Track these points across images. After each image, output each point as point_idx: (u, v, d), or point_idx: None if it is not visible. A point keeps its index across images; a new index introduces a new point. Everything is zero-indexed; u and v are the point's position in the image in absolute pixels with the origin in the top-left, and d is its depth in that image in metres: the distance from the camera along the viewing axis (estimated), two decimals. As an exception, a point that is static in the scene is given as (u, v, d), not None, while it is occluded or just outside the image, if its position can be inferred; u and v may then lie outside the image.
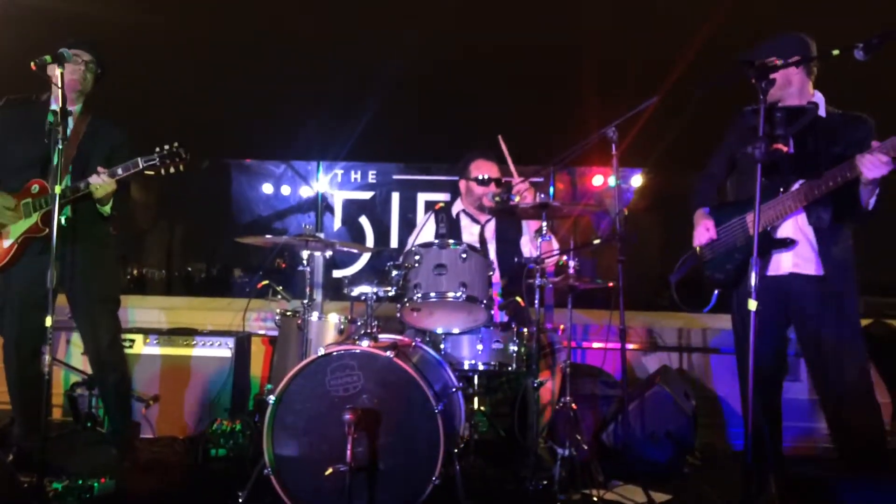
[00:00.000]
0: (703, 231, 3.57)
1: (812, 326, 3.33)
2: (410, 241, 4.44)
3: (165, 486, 3.79)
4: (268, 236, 4.00)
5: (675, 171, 7.49)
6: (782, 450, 3.51)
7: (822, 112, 3.40)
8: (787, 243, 3.34)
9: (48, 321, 3.20)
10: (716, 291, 3.54)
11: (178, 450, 4.39)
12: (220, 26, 6.42)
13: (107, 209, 3.86)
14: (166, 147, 3.66)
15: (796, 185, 3.29)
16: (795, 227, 3.37)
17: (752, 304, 2.72)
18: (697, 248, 3.63)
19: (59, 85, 3.27)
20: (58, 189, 3.24)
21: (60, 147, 3.24)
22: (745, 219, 3.45)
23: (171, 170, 3.69)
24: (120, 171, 3.69)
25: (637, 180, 7.35)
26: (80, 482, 3.39)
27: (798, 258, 3.36)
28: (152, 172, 3.70)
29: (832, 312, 3.28)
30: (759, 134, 2.76)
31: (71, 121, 3.87)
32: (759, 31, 5.65)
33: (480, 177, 4.35)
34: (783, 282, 3.38)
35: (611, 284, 4.03)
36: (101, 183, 3.63)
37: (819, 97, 3.41)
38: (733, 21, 5.73)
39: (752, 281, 2.77)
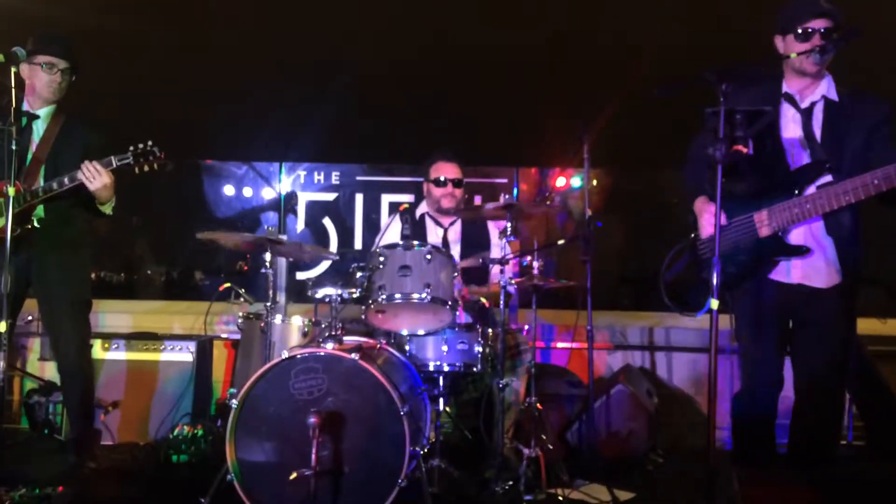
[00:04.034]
0: (711, 219, 3.22)
1: (809, 324, 3.17)
2: (377, 242, 4.43)
3: (126, 494, 3.72)
4: (230, 233, 3.97)
5: (633, 171, 7.58)
6: (775, 446, 3.34)
7: (832, 94, 3.15)
8: (802, 251, 3.07)
9: (2, 326, 3.13)
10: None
11: (138, 457, 4.32)
12: (179, 26, 6.32)
13: (107, 208, 3.81)
14: (140, 145, 3.61)
15: (812, 188, 3.04)
16: (809, 233, 3.11)
17: (714, 304, 2.73)
18: (695, 242, 3.36)
19: (13, 85, 3.19)
20: (11, 191, 3.17)
21: (14, 148, 3.17)
22: (753, 218, 3.15)
23: (146, 168, 3.64)
24: None
25: (595, 180, 7.42)
26: (38, 491, 3.31)
27: (809, 268, 3.10)
28: (111, 170, 3.62)
29: (833, 320, 3.13)
30: (720, 135, 2.77)
31: (42, 123, 3.81)
32: (725, 30, 5.78)
33: (441, 178, 4.36)
34: (789, 290, 3.14)
35: (573, 283, 4.07)
36: (92, 176, 3.56)
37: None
38: (695, 18, 5.80)
39: (714, 281, 2.74)
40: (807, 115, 3.16)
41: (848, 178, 2.94)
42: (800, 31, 3.09)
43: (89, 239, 3.98)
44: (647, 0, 6.08)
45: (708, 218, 3.28)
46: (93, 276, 4.21)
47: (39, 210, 3.74)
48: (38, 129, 3.81)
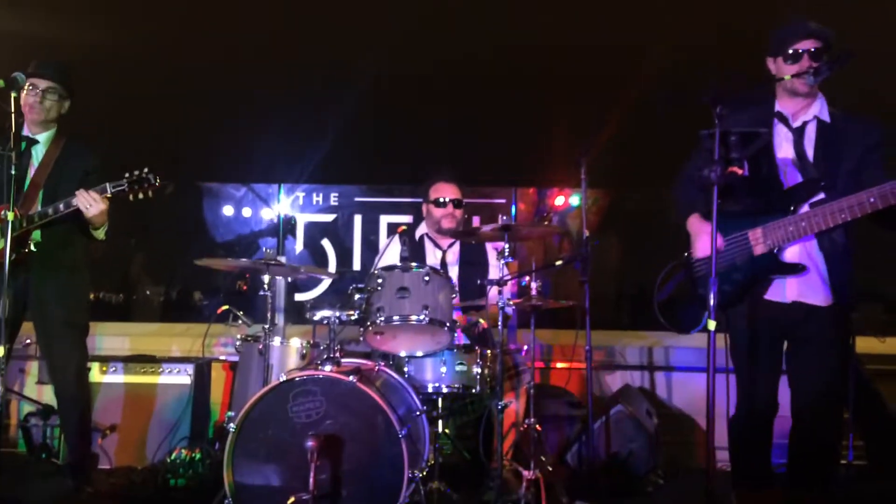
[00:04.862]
0: (707, 241, 3.09)
1: (804, 343, 3.16)
2: (375, 264, 4.43)
3: (123, 519, 3.71)
4: (228, 259, 3.98)
5: (631, 190, 7.59)
6: (772, 467, 3.34)
7: (824, 115, 3.17)
8: (798, 269, 3.07)
9: (0, 351, 3.12)
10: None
11: (135, 480, 4.28)
12: (178, 48, 6.37)
13: (101, 233, 3.80)
14: (136, 172, 3.59)
15: (805, 207, 3.05)
16: (803, 251, 3.11)
17: (711, 325, 2.74)
18: (690, 259, 3.34)
19: (13, 110, 3.21)
20: (10, 216, 3.18)
21: (14, 173, 3.18)
22: (747, 235, 3.15)
23: (140, 195, 3.63)
24: None
25: (592, 199, 7.43)
26: (34, 516, 3.30)
27: (804, 286, 3.10)
28: (109, 196, 3.63)
29: (829, 338, 3.12)
30: (715, 157, 2.79)
31: (42, 147, 3.81)
32: (723, 50, 5.81)
33: (441, 199, 4.37)
34: (784, 309, 3.14)
35: (572, 303, 4.07)
36: (88, 203, 3.56)
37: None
38: (692, 39, 5.85)
39: (711, 301, 2.75)
40: (798, 133, 3.18)
41: (842, 196, 2.95)
42: (790, 52, 3.13)
43: (86, 262, 3.97)
44: (646, 21, 6.12)
45: (704, 239, 3.24)
46: (91, 296, 4.19)
47: (36, 234, 3.73)
48: (38, 153, 3.82)
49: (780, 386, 3.26)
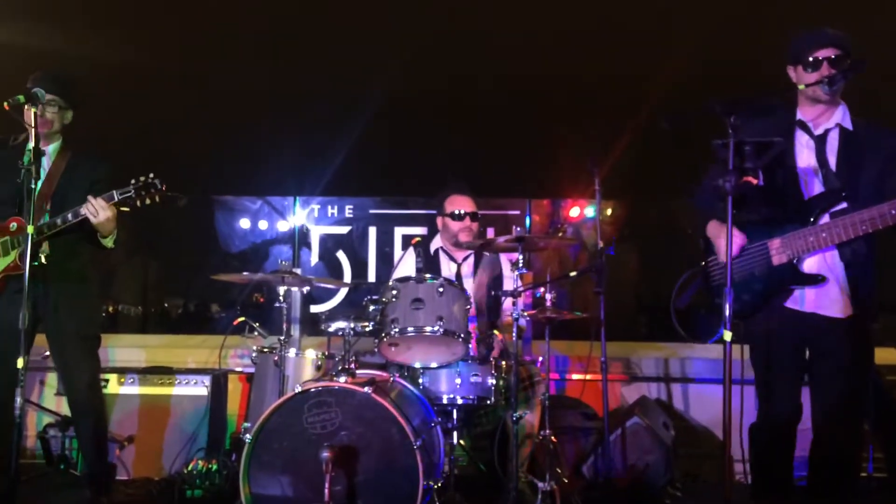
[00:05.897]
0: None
1: (825, 356, 3.13)
2: (392, 276, 4.43)
3: (140, 529, 3.72)
4: (244, 273, 4.01)
5: (647, 201, 7.58)
6: (793, 479, 3.30)
7: (846, 123, 3.16)
8: (818, 280, 3.06)
9: (20, 362, 3.15)
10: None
11: (153, 491, 4.30)
12: (194, 63, 6.44)
13: (109, 241, 3.80)
14: (142, 178, 3.59)
15: (825, 217, 3.05)
16: (823, 262, 3.09)
17: (727, 335, 2.72)
18: (707, 268, 3.34)
19: (32, 125, 3.24)
20: (30, 229, 3.20)
21: (33, 186, 3.21)
22: (767, 245, 3.15)
23: (147, 201, 3.63)
24: None
25: (608, 210, 7.43)
26: (53, 527, 3.31)
27: (823, 298, 3.08)
28: (127, 207, 3.66)
29: (848, 351, 3.07)
30: (730, 167, 2.79)
31: (49, 159, 3.81)
32: (738, 61, 5.80)
33: (457, 212, 4.36)
34: (803, 319, 3.12)
35: (586, 314, 4.06)
36: (95, 211, 3.56)
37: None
38: (704, 51, 5.84)
39: (727, 311, 2.74)
40: (821, 141, 3.16)
41: (863, 206, 2.93)
42: (810, 59, 3.11)
43: (95, 273, 3.97)
44: (660, 32, 6.13)
45: (724, 242, 3.18)
46: (103, 307, 4.20)
47: (45, 246, 3.74)
48: (45, 165, 3.81)
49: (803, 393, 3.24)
